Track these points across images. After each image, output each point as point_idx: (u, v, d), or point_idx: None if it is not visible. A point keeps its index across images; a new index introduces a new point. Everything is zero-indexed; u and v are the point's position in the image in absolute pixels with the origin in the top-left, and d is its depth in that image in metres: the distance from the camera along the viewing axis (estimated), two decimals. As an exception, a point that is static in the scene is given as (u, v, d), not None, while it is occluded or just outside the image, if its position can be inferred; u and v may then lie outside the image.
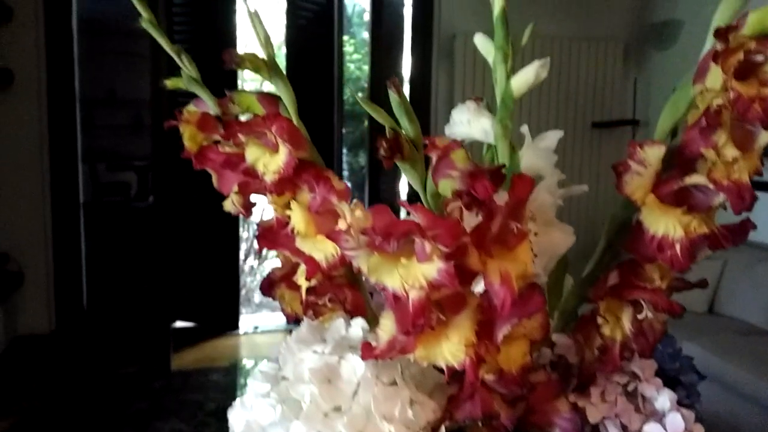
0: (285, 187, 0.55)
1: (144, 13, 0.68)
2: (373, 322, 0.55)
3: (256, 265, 5.48)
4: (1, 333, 3.41)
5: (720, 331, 3.40)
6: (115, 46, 4.37)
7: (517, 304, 0.44)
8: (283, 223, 0.58)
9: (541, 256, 0.65)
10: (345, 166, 5.69)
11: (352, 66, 6.02)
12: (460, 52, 4.14)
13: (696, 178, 0.44)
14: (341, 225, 0.46)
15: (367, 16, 5.39)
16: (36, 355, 3.56)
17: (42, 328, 3.69)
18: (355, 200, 0.51)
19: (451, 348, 0.45)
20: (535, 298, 0.45)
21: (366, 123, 5.37)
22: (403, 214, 0.46)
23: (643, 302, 0.47)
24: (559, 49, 4.37)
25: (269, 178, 0.53)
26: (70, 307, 3.74)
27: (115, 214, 4.26)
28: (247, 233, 5.52)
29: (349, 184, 0.56)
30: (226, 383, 3.55)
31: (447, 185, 0.41)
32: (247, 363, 3.87)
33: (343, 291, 0.58)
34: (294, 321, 0.64)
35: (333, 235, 0.46)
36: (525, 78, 0.64)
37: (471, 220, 0.45)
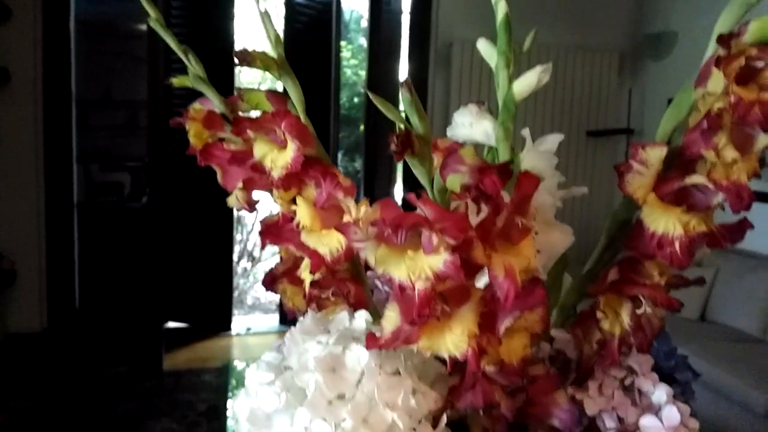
0: (292, 182, 0.56)
1: (152, 13, 0.69)
2: (375, 315, 0.56)
3: (250, 267, 5.48)
4: (-8, 331, 3.40)
5: (711, 338, 3.42)
6: (112, 47, 4.38)
7: (520, 297, 0.45)
8: (289, 218, 0.59)
9: (541, 255, 0.66)
10: (340, 170, 5.69)
11: (349, 71, 6.04)
12: (457, 60, 4.16)
13: (696, 178, 0.45)
14: (347, 219, 0.47)
15: (364, 23, 5.41)
16: (27, 354, 3.54)
17: (34, 326, 3.68)
18: (362, 198, 0.52)
19: (454, 339, 0.46)
20: (537, 291, 0.46)
21: (361, 128, 5.39)
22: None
23: (642, 298, 0.48)
24: (556, 58, 4.41)
25: (277, 173, 0.54)
26: (62, 306, 3.73)
27: (109, 214, 4.27)
28: (240, 235, 5.52)
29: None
30: (218, 384, 3.55)
31: (455, 180, 0.42)
32: (238, 364, 3.87)
33: (347, 285, 0.59)
34: (291, 321, 0.65)
35: (341, 228, 0.47)
36: (527, 82, 0.65)
37: (475, 217, 0.46)
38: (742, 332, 3.54)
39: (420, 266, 0.42)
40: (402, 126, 0.45)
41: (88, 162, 4.40)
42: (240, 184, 0.66)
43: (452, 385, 0.50)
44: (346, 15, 5.93)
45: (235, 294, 4.77)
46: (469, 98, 4.01)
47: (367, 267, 0.69)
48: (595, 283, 0.51)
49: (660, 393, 0.53)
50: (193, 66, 0.70)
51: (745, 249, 3.85)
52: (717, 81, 0.43)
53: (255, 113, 0.60)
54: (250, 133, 0.54)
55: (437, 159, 0.52)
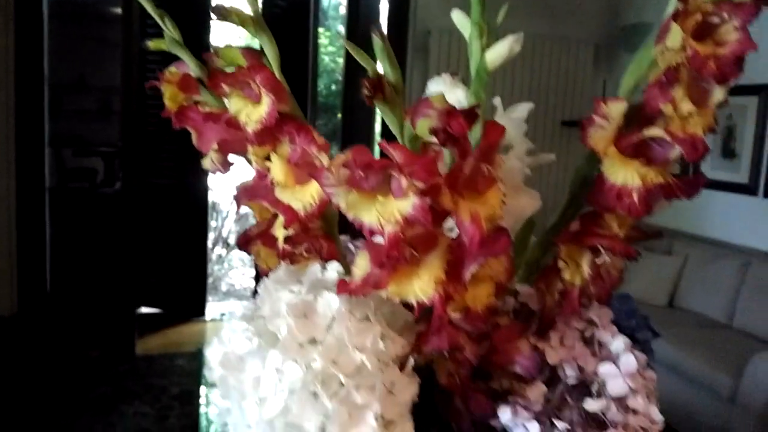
0: (266, 138, 0.57)
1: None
2: (347, 270, 0.58)
3: (225, 253, 5.46)
4: (-39, 315, 3.35)
5: (679, 324, 3.51)
6: (86, 31, 4.32)
7: (485, 244, 0.47)
8: (263, 175, 0.61)
9: (509, 217, 0.68)
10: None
11: (326, 58, 6.03)
12: (434, 48, 4.18)
13: (654, 131, 0.47)
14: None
15: (342, 9, 5.40)
16: (-3, 338, 3.50)
17: (4, 310, 3.63)
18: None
19: (422, 285, 0.47)
20: (502, 239, 0.48)
21: (339, 116, 5.38)
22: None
23: (601, 248, 0.51)
24: (532, 49, 4.45)
25: (251, 128, 0.55)
26: (33, 291, 3.69)
27: (81, 199, 4.22)
28: (215, 222, 5.49)
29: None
30: (192, 368, 3.54)
31: (424, 124, 0.44)
32: (213, 351, 3.86)
33: (319, 241, 0.61)
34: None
35: (314, 173, 0.48)
36: (499, 52, 0.67)
37: (444, 168, 0.48)
38: (709, 318, 3.63)
39: (389, 210, 0.44)
40: (374, 71, 0.46)
41: (61, 147, 4.34)
42: (214, 146, 0.67)
43: (419, 331, 0.52)
44: (324, 1, 5.91)
45: (210, 280, 4.75)
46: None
47: (342, 231, 0.71)
48: (558, 234, 0.53)
49: (618, 343, 0.56)
50: (169, 30, 0.71)
51: (713, 238, 3.94)
52: (675, 36, 0.45)
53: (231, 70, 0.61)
54: (225, 87, 0.55)
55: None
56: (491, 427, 0.57)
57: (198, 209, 4.42)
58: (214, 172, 0.70)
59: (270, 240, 0.65)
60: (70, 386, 3.21)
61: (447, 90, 0.74)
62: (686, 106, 0.46)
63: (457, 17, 0.70)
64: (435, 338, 0.49)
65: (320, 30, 4.90)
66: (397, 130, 0.48)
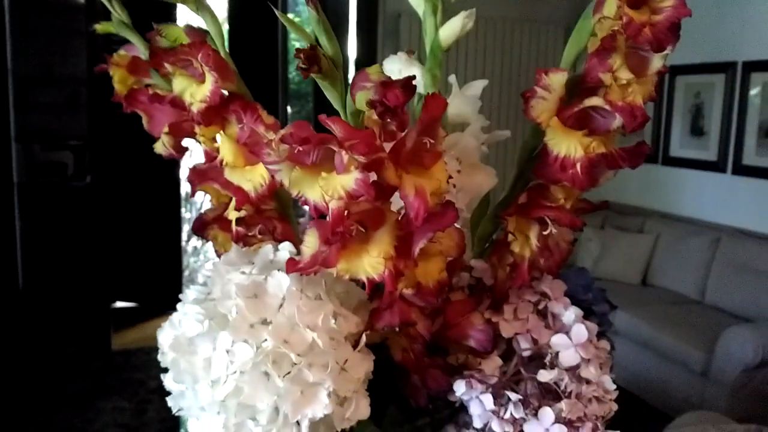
0: (212, 117, 0.56)
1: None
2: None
3: (200, 245, 5.42)
4: (-69, 315, 3.29)
5: (652, 302, 3.56)
6: (50, 22, 4.22)
7: (432, 218, 0.47)
8: (212, 156, 0.60)
9: (465, 194, 0.69)
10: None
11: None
12: (405, 32, 4.17)
13: (594, 101, 0.47)
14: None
15: (311, -5, 5.34)
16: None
17: (-25, 309, 3.58)
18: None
19: (371, 261, 0.47)
20: (449, 213, 0.48)
21: (311, 103, 5.35)
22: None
23: (548, 219, 0.51)
24: (502, 31, 4.45)
25: (196, 107, 0.54)
26: (4, 288, 3.63)
27: (51, 194, 4.15)
28: (190, 214, 5.44)
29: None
30: (170, 361, 3.52)
31: (362, 97, 0.43)
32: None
33: (273, 223, 0.60)
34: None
35: (255, 149, 0.48)
36: (452, 28, 0.66)
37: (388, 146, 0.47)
38: (681, 295, 3.69)
39: (333, 186, 0.43)
40: (309, 43, 0.46)
41: (29, 141, 4.26)
42: (165, 129, 0.67)
43: (373, 308, 0.52)
44: (294, -12, 5.85)
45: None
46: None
47: (299, 214, 0.70)
48: (505, 207, 0.53)
49: (569, 314, 0.56)
50: (117, 12, 0.70)
51: (685, 215, 4.00)
52: (611, 4, 0.45)
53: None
54: (168, 67, 0.54)
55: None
56: (449, 401, 0.57)
57: (171, 201, 4.38)
58: (167, 157, 0.69)
59: (226, 224, 0.65)
60: (47, 383, 3.18)
61: (403, 68, 0.74)
62: (624, 75, 0.46)
63: (413, -5, 0.70)
64: (386, 314, 0.50)
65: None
66: (339, 105, 0.48)
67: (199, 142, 0.65)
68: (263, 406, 0.45)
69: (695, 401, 3.03)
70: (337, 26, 4.39)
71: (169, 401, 0.51)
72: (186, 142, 0.69)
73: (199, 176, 0.61)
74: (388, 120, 0.41)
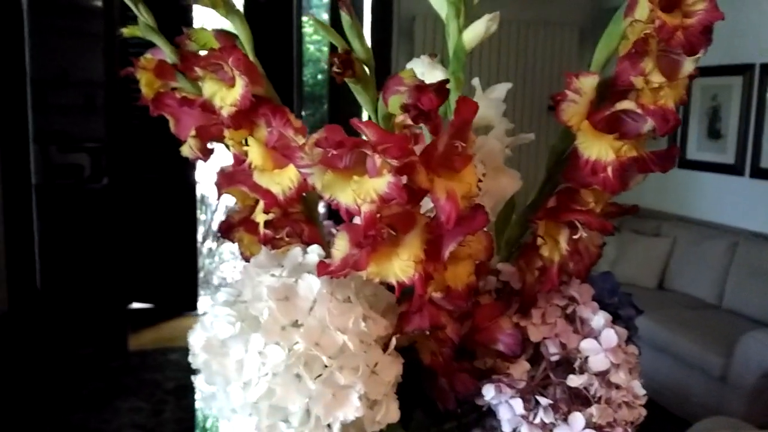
0: (242, 121, 0.56)
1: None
2: (329, 255, 0.58)
3: (215, 247, 5.44)
4: (-49, 315, 3.33)
5: (669, 306, 3.53)
6: (68, 25, 4.27)
7: (462, 221, 0.47)
8: (240, 159, 0.60)
9: (490, 198, 0.69)
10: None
11: (312, 47, 5.99)
12: (419, 34, 4.17)
13: (626, 104, 0.47)
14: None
15: (326, -2, 5.36)
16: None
17: (-6, 308, 3.62)
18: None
19: (401, 264, 0.47)
20: (479, 216, 0.48)
21: (326, 106, 5.36)
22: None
23: (578, 223, 0.51)
24: (517, 34, 4.44)
25: (226, 111, 0.55)
26: (23, 288, 3.67)
27: (69, 196, 4.19)
28: (205, 215, 5.48)
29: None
30: (185, 362, 3.52)
31: (396, 101, 0.43)
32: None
33: (300, 225, 0.61)
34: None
35: (288, 153, 0.48)
36: (476, 31, 0.66)
37: (419, 149, 0.48)
38: (698, 299, 3.66)
39: (365, 189, 0.44)
40: (343, 48, 0.46)
41: (46, 143, 4.30)
42: (192, 132, 0.67)
43: (402, 311, 0.52)
44: (308, -9, 5.87)
45: (201, 274, 4.75)
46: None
47: (329, 217, 0.70)
48: (535, 211, 0.53)
49: (599, 319, 0.56)
50: (144, 16, 0.70)
51: (702, 219, 3.97)
52: (643, 7, 0.45)
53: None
54: (197, 70, 0.55)
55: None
56: (476, 405, 0.57)
57: (186, 203, 4.40)
58: (194, 160, 0.70)
59: (252, 226, 0.65)
60: (64, 383, 3.20)
61: (426, 71, 0.74)
62: (656, 78, 0.46)
63: (435, -1, 0.70)
64: (416, 318, 0.50)
65: (304, 18, 4.88)
66: (371, 109, 0.48)
67: (227, 146, 0.65)
68: (295, 408, 0.46)
69: (713, 407, 3.01)
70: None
71: (200, 403, 0.51)
72: (211, 145, 0.70)
73: (227, 179, 0.62)
74: (422, 124, 0.41)
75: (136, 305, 4.17)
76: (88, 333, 3.63)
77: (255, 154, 0.57)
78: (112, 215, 3.88)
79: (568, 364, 0.57)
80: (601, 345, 0.54)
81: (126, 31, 0.72)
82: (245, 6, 4.11)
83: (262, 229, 0.60)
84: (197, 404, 3.15)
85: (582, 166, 0.48)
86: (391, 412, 0.49)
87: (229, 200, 0.68)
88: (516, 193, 0.69)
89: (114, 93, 3.98)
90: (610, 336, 0.54)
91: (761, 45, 3.65)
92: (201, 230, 5.10)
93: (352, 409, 0.46)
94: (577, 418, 0.51)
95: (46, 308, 3.69)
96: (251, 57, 0.56)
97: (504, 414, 0.53)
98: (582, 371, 0.54)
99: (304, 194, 0.61)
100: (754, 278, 3.40)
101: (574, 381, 0.53)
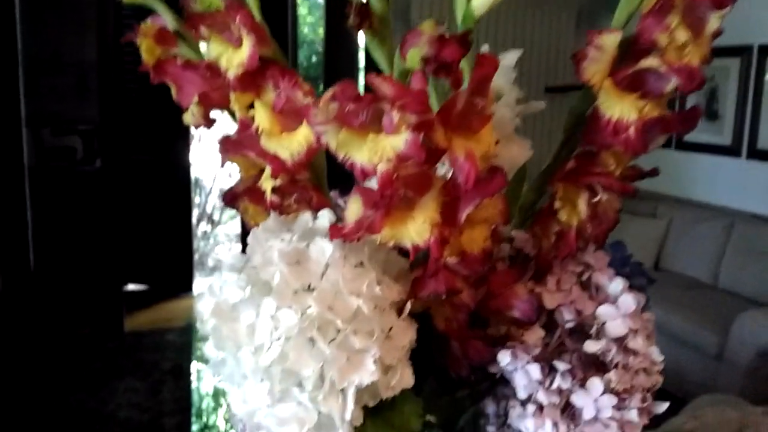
0: (248, 83, 0.55)
1: None
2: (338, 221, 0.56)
3: (210, 229, 5.43)
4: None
5: (665, 286, 3.54)
6: (60, 6, 4.21)
7: (480, 183, 0.45)
8: (247, 124, 0.59)
9: (500, 166, 0.67)
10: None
11: (306, 29, 5.94)
12: (416, 15, 4.13)
13: (650, 61, 0.46)
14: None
15: (321, -22, 5.29)
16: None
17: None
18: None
19: (417, 227, 0.46)
20: (497, 178, 0.46)
21: (321, 87, 5.32)
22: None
23: (597, 186, 0.50)
24: (514, 15, 4.41)
25: (233, 72, 0.53)
26: (16, 269, 3.65)
27: (62, 178, 4.15)
28: (199, 198, 5.45)
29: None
30: (182, 343, 3.54)
31: (415, 54, 0.42)
32: (201, 326, 3.85)
33: (308, 192, 0.59)
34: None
35: (302, 111, 0.47)
36: (485, -1, 0.65)
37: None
38: (694, 279, 3.67)
39: (381, 147, 0.42)
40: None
41: (39, 126, 4.26)
42: (195, 99, 0.65)
43: (415, 277, 0.51)
44: (303, -29, 5.80)
45: (196, 257, 4.73)
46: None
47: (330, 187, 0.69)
48: (553, 174, 0.52)
49: (616, 284, 0.55)
50: (144, -19, 0.68)
51: (697, 200, 3.98)
52: (670, -39, 0.43)
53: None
54: (204, 31, 0.53)
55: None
56: (487, 374, 0.56)
57: (181, 185, 4.38)
58: (196, 127, 0.68)
59: (257, 196, 0.63)
60: (60, 364, 3.19)
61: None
62: (682, 35, 0.44)
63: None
64: (431, 282, 0.48)
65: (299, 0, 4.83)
66: (386, 65, 0.47)
67: (231, 113, 0.64)
68: (308, 373, 0.44)
69: (709, 385, 3.02)
70: (345, 7, 4.35)
71: (209, 369, 0.50)
72: (213, 114, 0.68)
73: (233, 145, 0.60)
74: (442, 78, 0.39)
75: (131, 287, 4.16)
76: (83, 314, 3.62)
77: (262, 117, 0.56)
78: (106, 197, 3.86)
79: (581, 332, 0.56)
80: (619, 310, 0.53)
81: (126, 0, 0.70)
82: (239, -15, 4.05)
83: (269, 196, 0.59)
84: (194, 385, 3.15)
85: (603, 126, 0.47)
86: (406, 378, 0.48)
87: (224, 180, 0.67)
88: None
89: (107, 75, 3.94)
90: (629, 301, 0.53)
91: (760, 26, 3.63)
92: (195, 213, 5.07)
93: (367, 374, 0.45)
94: (596, 384, 0.50)
95: (41, 290, 3.67)
96: (258, 17, 0.55)
97: (520, 380, 0.52)
98: (598, 338, 0.53)
99: (311, 161, 0.59)
100: (750, 258, 3.41)
101: (592, 347, 0.52)
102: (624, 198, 0.51)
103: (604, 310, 0.53)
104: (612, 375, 0.50)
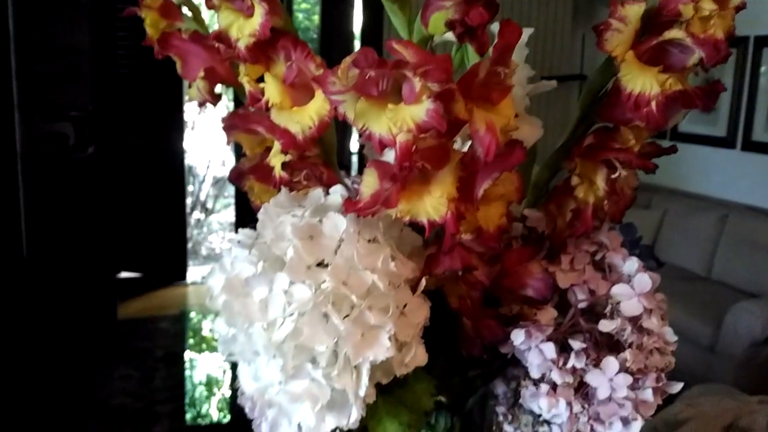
0: (259, 55, 0.53)
1: None
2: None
3: (203, 218, 5.40)
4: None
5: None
6: (52, -10, 4.16)
7: (500, 157, 0.44)
8: (256, 98, 0.57)
9: (511, 146, 0.66)
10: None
11: (300, 15, 5.89)
12: (413, 2, 4.11)
13: (675, 33, 0.45)
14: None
15: (316, -35, 5.25)
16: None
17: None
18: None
19: (433, 202, 0.45)
20: (517, 151, 0.45)
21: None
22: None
23: (617, 162, 0.49)
24: (510, 5, 4.39)
25: (243, 42, 0.52)
26: (9, 256, 3.61)
27: (54, 165, 4.11)
28: (192, 186, 5.42)
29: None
30: (175, 331, 3.52)
31: (439, 18, 0.41)
32: (194, 314, 3.84)
33: (319, 168, 0.58)
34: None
35: (318, 80, 0.45)
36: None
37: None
38: (688, 271, 3.68)
39: (401, 117, 0.41)
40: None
41: (31, 112, 4.21)
42: (201, 74, 0.64)
43: (429, 254, 0.50)
44: (298, -42, 5.74)
45: (189, 245, 4.70)
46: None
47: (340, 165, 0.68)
48: (571, 149, 0.51)
49: (630, 264, 0.54)
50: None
51: (692, 191, 3.98)
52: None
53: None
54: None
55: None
56: (499, 354, 0.55)
57: (174, 172, 4.35)
58: (202, 104, 0.67)
59: (263, 174, 0.62)
60: (53, 350, 3.17)
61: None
62: (708, 5, 0.43)
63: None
64: (447, 259, 0.48)
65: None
66: (405, 32, 0.45)
67: (236, 90, 0.62)
68: (322, 349, 0.43)
69: (702, 376, 3.04)
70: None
71: (219, 346, 0.49)
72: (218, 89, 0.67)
73: (241, 120, 0.59)
74: (468, 42, 0.38)
75: (124, 274, 4.13)
76: (77, 301, 3.59)
77: (272, 91, 0.54)
78: (99, 184, 3.83)
79: (593, 312, 0.55)
80: (634, 289, 0.52)
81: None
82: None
83: (278, 172, 0.58)
84: (187, 373, 3.14)
85: (624, 100, 0.46)
86: (420, 355, 0.48)
87: (217, 168, 0.65)
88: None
89: (99, 61, 3.90)
90: (644, 280, 0.52)
91: (756, 18, 3.62)
92: (189, 201, 5.04)
93: (382, 350, 0.44)
94: (611, 363, 0.50)
95: (34, 276, 3.64)
96: (269, -14, 0.53)
97: (533, 359, 0.51)
98: (612, 317, 0.53)
99: (321, 137, 0.58)
100: (744, 250, 3.42)
101: (606, 326, 0.51)
102: (648, 167, 0.50)
103: (619, 290, 0.52)
104: (627, 354, 0.50)
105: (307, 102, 0.53)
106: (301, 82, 0.54)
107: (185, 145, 4.40)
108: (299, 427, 0.46)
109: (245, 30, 0.51)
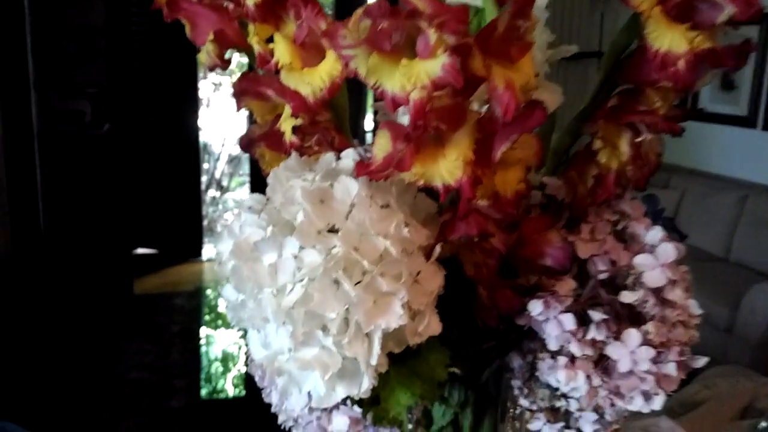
0: (268, 13, 0.52)
1: None
2: (361, 164, 0.53)
3: (218, 195, 5.41)
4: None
5: (676, 258, 3.50)
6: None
7: (519, 117, 0.42)
8: (265, 60, 0.56)
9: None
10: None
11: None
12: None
13: (705, -14, 0.42)
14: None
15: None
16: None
17: (-2, 251, 3.61)
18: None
19: (449, 165, 0.43)
20: (537, 112, 0.43)
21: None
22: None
23: (641, 125, 0.46)
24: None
25: (252, 0, 0.50)
26: (27, 231, 3.65)
27: (70, 142, 4.13)
28: (208, 164, 5.43)
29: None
30: (191, 307, 3.54)
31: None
32: (210, 291, 3.86)
33: (330, 133, 0.56)
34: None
35: (329, 33, 0.44)
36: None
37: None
38: (706, 252, 3.63)
39: (416, 73, 0.39)
40: None
41: (47, 90, 4.22)
42: (210, 37, 0.62)
43: (444, 221, 0.48)
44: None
45: (205, 222, 4.72)
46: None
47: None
48: (594, 112, 0.49)
49: (654, 233, 0.52)
50: None
51: (711, 171, 3.92)
52: None
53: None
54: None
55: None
56: (514, 326, 0.54)
57: (190, 149, 4.35)
58: (212, 68, 0.65)
59: (274, 141, 0.61)
60: (70, 325, 3.21)
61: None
62: (742, -43, 0.41)
63: None
64: (462, 225, 0.46)
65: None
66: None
67: (248, 55, 0.61)
68: (333, 315, 0.42)
69: (718, 357, 3.01)
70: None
71: (228, 313, 0.48)
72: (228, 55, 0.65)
73: (250, 83, 0.57)
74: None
75: (140, 250, 4.16)
76: (93, 277, 3.63)
77: (282, 52, 0.52)
78: (115, 161, 3.84)
79: (613, 284, 0.53)
80: (657, 260, 0.50)
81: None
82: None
83: (289, 137, 0.56)
84: (203, 349, 3.16)
85: (650, 59, 0.44)
86: (433, 324, 0.46)
87: (232, 147, 0.64)
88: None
89: (114, 38, 3.90)
90: (668, 250, 0.50)
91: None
92: (204, 179, 5.05)
93: (394, 317, 0.42)
94: (633, 335, 0.48)
95: (51, 252, 3.68)
96: (280, -59, 0.51)
97: (551, 331, 0.49)
98: (634, 289, 0.51)
99: (333, 101, 0.56)
100: (763, 231, 3.37)
101: (628, 297, 0.49)
102: (675, 131, 0.48)
103: (642, 260, 0.50)
104: (650, 326, 0.48)
105: (318, 63, 0.52)
106: (311, 42, 0.52)
107: (200, 122, 4.40)
108: (309, 395, 0.45)
109: (254, -13, 0.49)
